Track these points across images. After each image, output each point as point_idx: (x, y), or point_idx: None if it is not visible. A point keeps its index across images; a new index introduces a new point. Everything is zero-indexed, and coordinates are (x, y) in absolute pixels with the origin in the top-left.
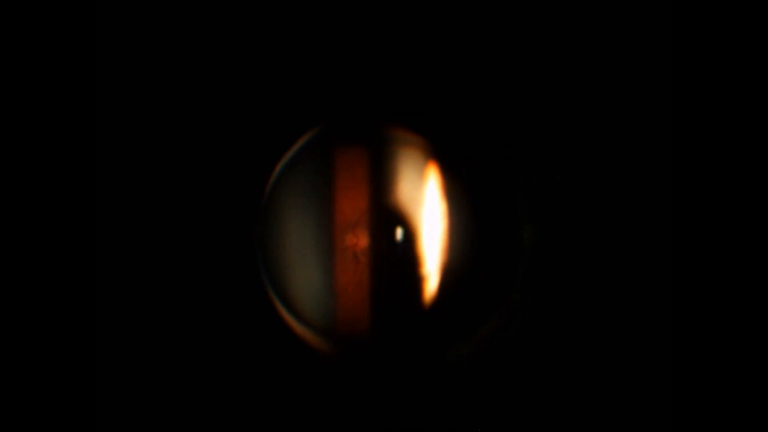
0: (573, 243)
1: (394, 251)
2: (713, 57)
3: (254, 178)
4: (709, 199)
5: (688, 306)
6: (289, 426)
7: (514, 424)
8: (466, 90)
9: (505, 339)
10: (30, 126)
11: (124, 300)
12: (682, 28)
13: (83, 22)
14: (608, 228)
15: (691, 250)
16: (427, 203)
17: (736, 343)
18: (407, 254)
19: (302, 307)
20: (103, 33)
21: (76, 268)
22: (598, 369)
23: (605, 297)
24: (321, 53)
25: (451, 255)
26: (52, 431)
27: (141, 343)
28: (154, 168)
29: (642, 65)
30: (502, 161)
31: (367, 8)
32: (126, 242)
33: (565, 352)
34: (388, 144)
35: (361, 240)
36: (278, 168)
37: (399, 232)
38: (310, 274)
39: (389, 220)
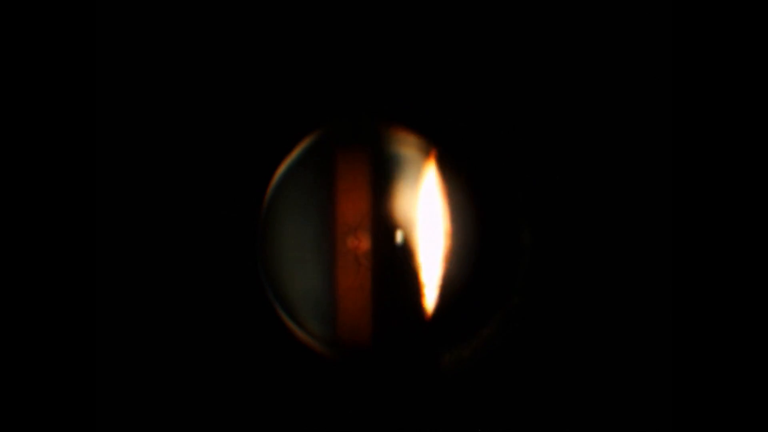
0: (573, 243)
1: (396, 254)
2: (713, 57)
3: (255, 181)
4: (709, 200)
5: (688, 306)
6: (290, 428)
7: (514, 425)
8: (467, 92)
9: (506, 341)
10: (31, 128)
11: (124, 304)
12: (682, 28)
13: (83, 22)
14: (608, 228)
15: (691, 252)
16: (428, 206)
17: (735, 354)
18: (408, 257)
19: (303, 311)
20: (103, 36)
21: (78, 270)
22: (598, 371)
23: (605, 298)
24: (322, 56)
25: (452, 257)
26: (52, 431)
27: (141, 346)
28: (154, 171)
29: (642, 65)
30: (503, 162)
31: (368, 11)
32: (126, 247)
33: (565, 353)
34: (390, 146)
35: (362, 243)
36: (279, 171)
37: (400, 235)
38: (311, 277)
39: (391, 223)
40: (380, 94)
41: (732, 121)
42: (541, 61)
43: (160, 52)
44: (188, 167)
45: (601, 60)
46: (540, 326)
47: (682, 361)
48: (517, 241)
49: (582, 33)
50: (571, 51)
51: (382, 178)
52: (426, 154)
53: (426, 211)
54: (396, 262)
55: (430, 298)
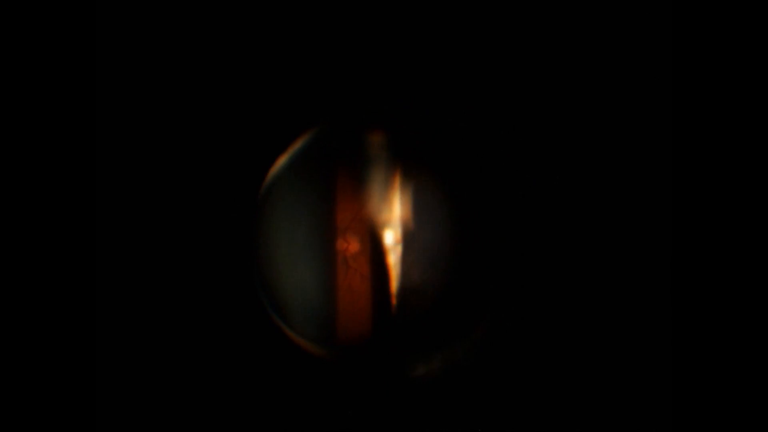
0: (572, 243)
1: (386, 256)
2: (713, 58)
3: (248, 182)
4: (708, 201)
5: (688, 306)
6: (283, 428)
7: (513, 425)
8: (463, 95)
9: (502, 341)
10: (30, 125)
11: (120, 308)
12: (682, 28)
13: (83, 22)
14: (608, 229)
15: (690, 252)
16: (418, 208)
17: (737, 363)
18: (398, 258)
19: (294, 312)
20: (102, 34)
21: (75, 268)
22: (597, 371)
23: (605, 297)
24: (318, 57)
25: (444, 258)
26: (52, 431)
27: (136, 349)
28: (150, 170)
29: (642, 65)
30: (499, 164)
31: (364, 14)
32: (121, 249)
33: (563, 353)
34: (379, 150)
35: (351, 245)
36: (272, 173)
37: (390, 237)
38: (304, 279)
39: (380, 225)
40: (374, 97)
41: (732, 122)
42: (540, 63)
43: (158, 51)
44: (180, 168)
45: (601, 60)
46: (538, 325)
47: (681, 361)
48: (509, 243)
49: (582, 33)
50: (570, 52)
51: (371, 182)
52: (418, 157)
53: (416, 215)
54: (385, 263)
55: (419, 299)
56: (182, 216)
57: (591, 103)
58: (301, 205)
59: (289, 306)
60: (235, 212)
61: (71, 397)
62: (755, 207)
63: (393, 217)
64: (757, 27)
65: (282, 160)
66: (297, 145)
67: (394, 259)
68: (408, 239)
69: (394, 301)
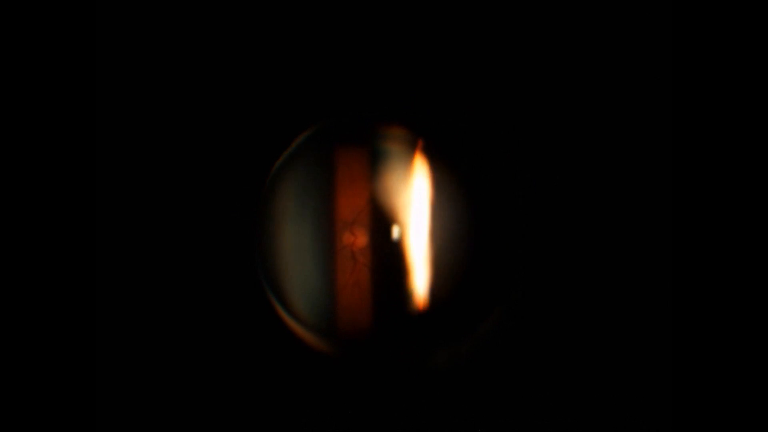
0: (572, 244)
1: (392, 250)
2: (713, 57)
3: (252, 176)
4: (708, 202)
5: (688, 307)
6: (288, 425)
7: (513, 424)
8: (465, 89)
9: (504, 338)
10: (30, 124)
11: (122, 303)
12: (682, 28)
13: (83, 22)
14: (608, 229)
15: (690, 251)
16: (424, 202)
17: (737, 363)
18: (405, 253)
19: (300, 307)
20: (102, 33)
21: (75, 267)
22: (598, 370)
23: (604, 297)
24: (321, 52)
25: (448, 253)
26: (52, 431)
27: (139, 345)
28: (152, 168)
29: (642, 65)
30: (501, 161)
31: (366, 9)
32: (124, 245)
33: (564, 352)
34: (387, 143)
35: (359, 239)
36: (275, 167)
37: (396, 231)
38: (308, 273)
39: (387, 218)
40: (378, 90)
41: (732, 122)
42: (541, 62)
43: (159, 49)
44: (184, 164)
45: (601, 60)
46: (539, 323)
47: (681, 362)
48: (514, 240)
49: (582, 33)
50: (570, 52)
51: (379, 175)
52: (424, 151)
53: (422, 208)
54: (392, 257)
55: (426, 295)
56: (185, 210)
57: (591, 103)
58: (305, 198)
59: (294, 301)
60: (239, 206)
61: (72, 390)
62: (755, 207)
63: (402, 212)
64: (757, 27)
65: (286, 154)
66: (301, 139)
67: (404, 254)
68: (419, 234)
69: (405, 297)
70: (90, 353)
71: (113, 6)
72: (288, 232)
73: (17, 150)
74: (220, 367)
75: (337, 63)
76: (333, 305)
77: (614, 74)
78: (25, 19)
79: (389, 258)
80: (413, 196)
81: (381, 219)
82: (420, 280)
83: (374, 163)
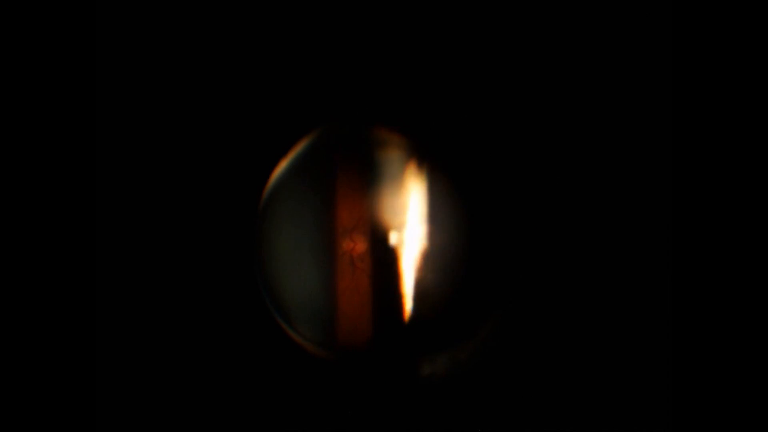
0: (569, 250)
1: (391, 256)
2: (713, 58)
3: (252, 183)
4: (708, 202)
5: (688, 307)
6: (286, 429)
7: (513, 425)
8: (464, 95)
9: (502, 343)
10: (31, 126)
11: (121, 307)
12: (682, 28)
13: (83, 22)
14: (605, 237)
15: (690, 251)
16: (423, 209)
17: (737, 362)
18: (403, 259)
19: (299, 313)
20: (103, 35)
21: (76, 268)
22: (597, 372)
23: (604, 298)
24: (321, 58)
25: (446, 259)
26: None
27: (138, 349)
28: (152, 171)
29: (642, 65)
30: (498, 167)
31: (364, 15)
32: (123, 249)
33: (562, 356)
34: (386, 150)
35: (358, 245)
36: (275, 174)
37: (394, 237)
38: (307, 279)
39: (386, 225)
40: (378, 97)
41: (732, 122)
42: (540, 64)
43: (159, 53)
44: (184, 170)
45: (601, 60)
46: (538, 326)
47: (681, 362)
48: (511, 245)
49: (580, 35)
50: (570, 51)
51: (377, 181)
52: (423, 157)
53: (418, 213)
54: (391, 263)
55: (424, 301)
56: (186, 216)
57: (588, 108)
58: (304, 205)
59: (293, 308)
60: (239, 213)
61: (71, 394)
62: (755, 207)
63: (400, 218)
64: (757, 27)
65: (286, 161)
66: (301, 145)
67: (402, 260)
68: (417, 240)
69: (403, 303)
70: (89, 358)
71: (113, 8)
72: (287, 238)
73: (18, 151)
74: (218, 372)
75: (336, 70)
76: (332, 311)
77: (613, 75)
78: (25, 19)
79: (388, 264)
80: (412, 203)
81: (380, 226)
82: (418, 286)
83: (373, 170)
